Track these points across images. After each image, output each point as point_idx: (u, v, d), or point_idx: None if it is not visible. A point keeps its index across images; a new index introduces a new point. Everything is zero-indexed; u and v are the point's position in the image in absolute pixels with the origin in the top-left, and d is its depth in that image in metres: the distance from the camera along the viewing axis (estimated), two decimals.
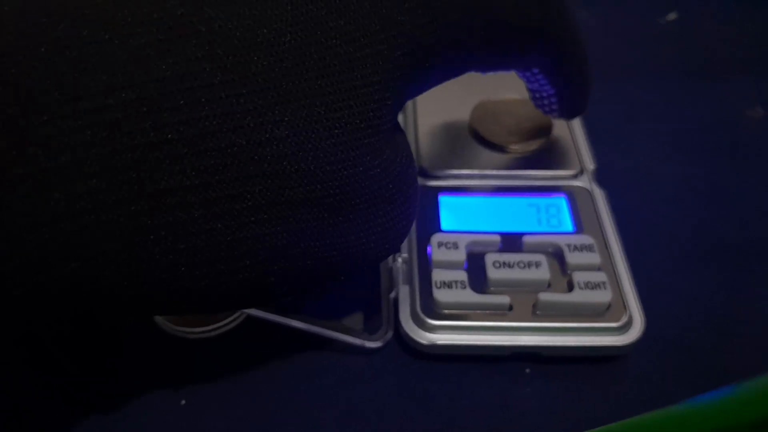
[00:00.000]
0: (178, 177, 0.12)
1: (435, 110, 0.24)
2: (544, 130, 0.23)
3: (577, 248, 0.19)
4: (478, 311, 0.18)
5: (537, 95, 0.20)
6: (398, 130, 0.16)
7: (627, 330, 0.18)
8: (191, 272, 0.13)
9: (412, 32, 0.14)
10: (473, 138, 0.23)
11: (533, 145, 0.23)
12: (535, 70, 0.19)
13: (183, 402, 0.18)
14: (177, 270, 0.13)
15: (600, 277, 0.19)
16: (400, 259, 0.20)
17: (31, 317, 0.13)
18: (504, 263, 0.19)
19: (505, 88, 0.24)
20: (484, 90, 0.24)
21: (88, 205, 0.12)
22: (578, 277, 0.19)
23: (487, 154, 0.23)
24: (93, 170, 0.12)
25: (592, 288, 0.18)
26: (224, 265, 0.13)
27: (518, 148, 0.23)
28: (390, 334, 0.19)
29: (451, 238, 0.20)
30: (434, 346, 0.18)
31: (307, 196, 0.13)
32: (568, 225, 0.21)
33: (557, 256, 0.20)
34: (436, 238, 0.20)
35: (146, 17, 0.12)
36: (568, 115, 0.21)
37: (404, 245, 0.20)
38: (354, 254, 0.15)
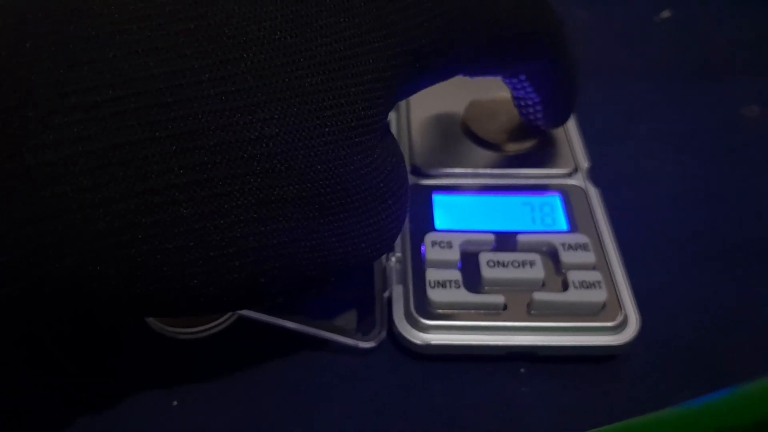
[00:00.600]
0: (167, 175, 0.12)
1: (428, 109, 0.24)
2: (538, 129, 0.23)
3: (571, 247, 0.19)
4: (473, 311, 0.18)
5: (522, 103, 0.20)
6: (388, 131, 0.16)
7: (622, 330, 0.18)
8: (181, 272, 0.13)
9: (405, 32, 0.14)
10: (467, 137, 0.23)
11: (526, 144, 0.23)
12: (523, 77, 0.19)
13: (175, 403, 0.18)
14: (166, 270, 0.13)
15: (595, 276, 0.19)
16: (393, 259, 0.20)
17: (27, 316, 0.13)
18: (498, 262, 0.19)
19: (498, 87, 0.24)
20: (477, 88, 0.24)
21: (76, 203, 0.12)
22: (573, 276, 0.19)
23: (481, 153, 0.23)
24: (81, 168, 0.12)
25: (587, 287, 0.18)
26: (214, 264, 0.13)
27: (512, 147, 0.23)
28: (384, 334, 0.19)
29: (445, 237, 0.20)
30: (428, 346, 0.18)
31: (298, 194, 0.13)
32: (562, 224, 0.21)
33: (552, 255, 0.20)
34: (429, 237, 0.20)
35: (136, 14, 0.12)
36: (551, 123, 0.21)
37: (398, 244, 0.20)
38: (345, 254, 0.15)
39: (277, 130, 0.13)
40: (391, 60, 0.14)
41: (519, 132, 0.23)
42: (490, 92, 0.24)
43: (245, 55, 0.13)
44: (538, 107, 0.20)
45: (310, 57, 0.13)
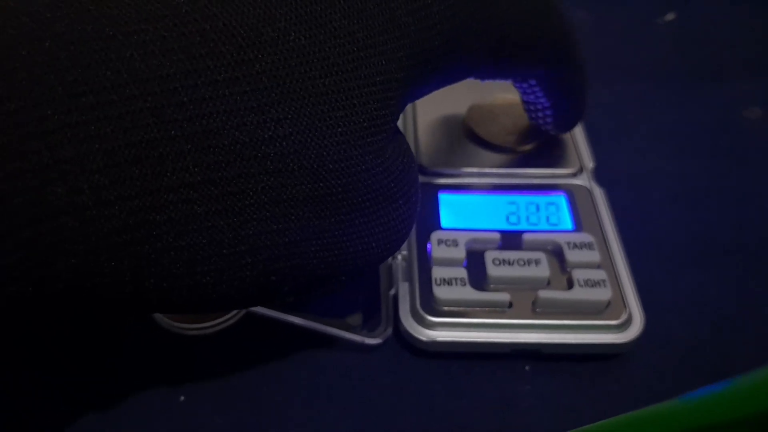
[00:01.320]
0: (181, 173, 0.12)
1: (435, 109, 0.24)
2: (539, 131, 0.23)
3: (576, 246, 0.19)
4: (478, 308, 0.18)
5: (532, 107, 0.20)
6: (399, 132, 0.16)
7: (626, 328, 0.18)
8: (193, 269, 0.13)
9: (417, 34, 0.14)
10: (469, 140, 0.23)
11: (527, 146, 0.23)
12: (533, 82, 0.19)
13: (182, 399, 0.18)
14: (178, 267, 0.13)
15: (599, 275, 0.19)
16: (399, 257, 0.20)
17: (33, 315, 0.13)
18: (504, 260, 0.19)
19: (500, 89, 0.24)
20: (483, 90, 0.24)
21: (90, 200, 0.12)
22: (578, 274, 0.19)
23: (486, 153, 0.23)
24: (96, 166, 0.12)
25: (592, 286, 0.18)
26: (226, 262, 0.13)
27: (515, 148, 0.23)
28: (389, 331, 0.19)
29: (451, 235, 0.20)
30: (434, 343, 0.18)
31: (310, 194, 0.13)
32: (567, 223, 0.21)
33: (557, 253, 0.20)
34: (436, 236, 0.20)
35: (151, 14, 0.12)
36: (561, 128, 0.21)
37: (404, 243, 0.20)
38: (356, 253, 0.15)
39: (290, 130, 0.13)
40: (403, 61, 0.14)
41: (520, 134, 0.23)
42: (494, 94, 0.24)
43: (259, 56, 0.13)
44: (548, 111, 0.20)
45: (324, 58, 0.13)
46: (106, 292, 0.13)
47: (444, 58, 0.15)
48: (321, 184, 0.13)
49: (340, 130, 0.13)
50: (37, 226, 0.12)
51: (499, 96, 0.24)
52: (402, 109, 0.15)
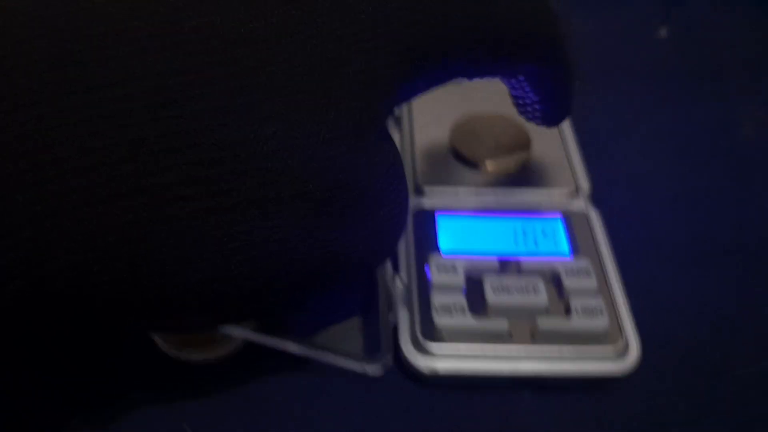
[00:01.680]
0: (172, 171, 0.12)
1: (432, 130, 0.24)
2: (523, 145, 0.23)
3: (573, 273, 0.19)
4: (478, 336, 0.18)
5: (520, 101, 0.20)
6: (387, 134, 0.16)
7: (623, 356, 0.18)
8: (184, 268, 0.13)
9: (403, 32, 0.14)
10: (456, 159, 0.23)
11: (513, 161, 0.23)
12: (521, 77, 0.19)
13: (184, 425, 0.18)
14: (172, 264, 0.13)
15: (597, 303, 0.19)
16: (398, 281, 0.20)
17: (32, 315, 0.13)
18: (503, 288, 0.19)
19: (484, 103, 0.23)
20: (477, 109, 0.24)
21: (83, 198, 0.12)
22: (575, 302, 0.19)
23: (483, 175, 0.22)
24: (89, 164, 0.12)
25: (589, 313, 0.18)
26: (216, 261, 0.13)
27: (498, 168, 0.22)
28: (389, 359, 0.19)
29: (450, 261, 0.20)
30: (434, 373, 0.18)
31: (296, 193, 0.13)
32: (564, 247, 0.21)
33: (554, 279, 0.20)
34: (434, 261, 0.20)
35: (143, 11, 0.12)
36: (550, 121, 0.21)
37: (403, 266, 0.20)
38: (345, 254, 0.15)
39: (274, 129, 0.13)
40: (389, 59, 0.14)
41: (505, 150, 0.23)
42: (479, 108, 0.24)
43: (245, 54, 0.13)
44: (537, 106, 0.20)
45: (308, 56, 0.13)
46: (104, 291, 0.13)
47: (431, 57, 0.15)
48: (308, 183, 0.13)
49: (324, 128, 0.13)
50: (36, 225, 0.12)
51: (480, 113, 0.23)
52: (390, 109, 0.15)
